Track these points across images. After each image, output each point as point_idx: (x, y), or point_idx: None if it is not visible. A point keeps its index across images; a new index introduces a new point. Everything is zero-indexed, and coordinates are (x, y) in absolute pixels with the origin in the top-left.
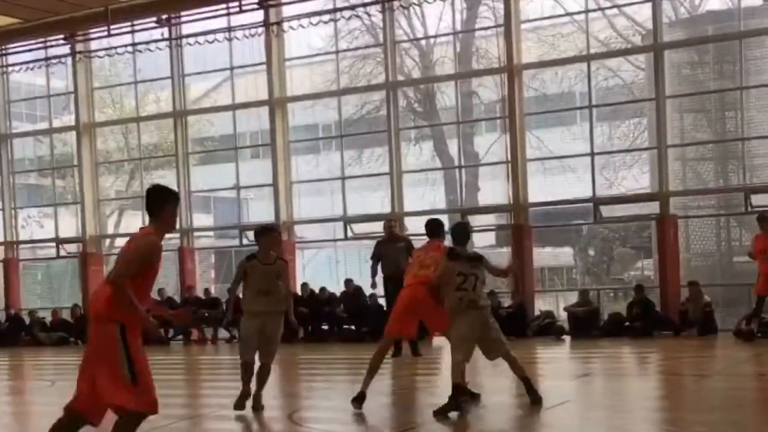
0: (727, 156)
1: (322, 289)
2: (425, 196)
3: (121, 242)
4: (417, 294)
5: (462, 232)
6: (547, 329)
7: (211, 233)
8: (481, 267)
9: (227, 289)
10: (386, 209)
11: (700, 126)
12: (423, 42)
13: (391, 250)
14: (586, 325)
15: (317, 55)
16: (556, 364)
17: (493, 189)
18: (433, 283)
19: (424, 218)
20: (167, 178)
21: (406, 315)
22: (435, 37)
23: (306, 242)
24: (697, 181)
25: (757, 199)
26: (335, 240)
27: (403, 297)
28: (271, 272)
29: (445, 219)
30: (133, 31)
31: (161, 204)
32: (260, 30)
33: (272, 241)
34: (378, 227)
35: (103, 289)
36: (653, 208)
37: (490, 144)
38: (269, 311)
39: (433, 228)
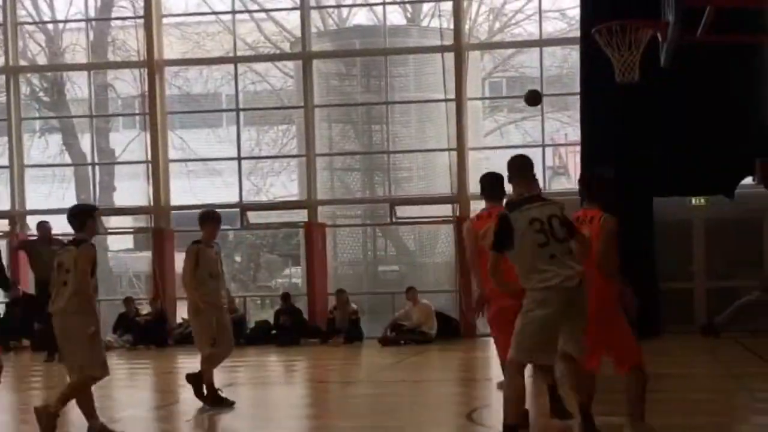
0: (373, 168)
1: None
2: (52, 194)
3: None
4: None
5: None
6: (190, 337)
7: None
8: None
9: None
10: (5, 206)
11: (347, 137)
12: (50, 26)
13: (46, 252)
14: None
15: None
16: None
17: (131, 189)
18: None
19: (51, 217)
20: None
21: None
22: (65, 22)
23: None
24: (345, 190)
25: (402, 211)
26: None
27: None
28: None
29: None
30: None
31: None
32: None
33: None
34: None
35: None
36: (301, 215)
37: (128, 142)
38: None
39: None
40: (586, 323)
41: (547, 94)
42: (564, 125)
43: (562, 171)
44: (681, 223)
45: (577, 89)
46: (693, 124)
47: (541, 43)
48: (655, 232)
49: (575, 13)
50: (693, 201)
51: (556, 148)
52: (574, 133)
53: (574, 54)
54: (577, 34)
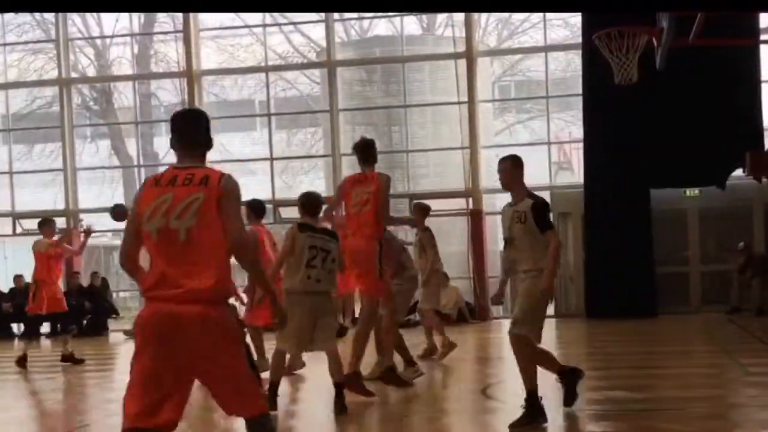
0: (394, 166)
1: None
2: (102, 194)
3: None
4: None
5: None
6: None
7: None
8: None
9: None
10: (60, 205)
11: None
12: (99, 41)
13: None
14: None
15: None
16: None
17: None
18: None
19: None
20: None
21: None
22: (111, 37)
23: None
24: None
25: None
26: (2, 236)
27: None
28: None
29: None
30: None
31: None
32: None
33: None
34: None
35: None
36: None
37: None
38: None
39: None
40: None
41: (553, 96)
42: (568, 124)
43: (566, 166)
44: (676, 212)
45: (580, 91)
46: (687, 121)
47: (546, 49)
48: (652, 221)
49: (577, 20)
50: (687, 192)
51: (561, 145)
52: (578, 131)
53: (576, 59)
54: (579, 40)
